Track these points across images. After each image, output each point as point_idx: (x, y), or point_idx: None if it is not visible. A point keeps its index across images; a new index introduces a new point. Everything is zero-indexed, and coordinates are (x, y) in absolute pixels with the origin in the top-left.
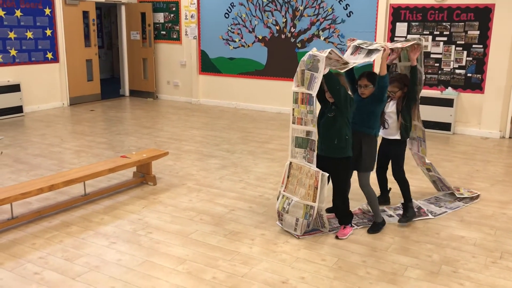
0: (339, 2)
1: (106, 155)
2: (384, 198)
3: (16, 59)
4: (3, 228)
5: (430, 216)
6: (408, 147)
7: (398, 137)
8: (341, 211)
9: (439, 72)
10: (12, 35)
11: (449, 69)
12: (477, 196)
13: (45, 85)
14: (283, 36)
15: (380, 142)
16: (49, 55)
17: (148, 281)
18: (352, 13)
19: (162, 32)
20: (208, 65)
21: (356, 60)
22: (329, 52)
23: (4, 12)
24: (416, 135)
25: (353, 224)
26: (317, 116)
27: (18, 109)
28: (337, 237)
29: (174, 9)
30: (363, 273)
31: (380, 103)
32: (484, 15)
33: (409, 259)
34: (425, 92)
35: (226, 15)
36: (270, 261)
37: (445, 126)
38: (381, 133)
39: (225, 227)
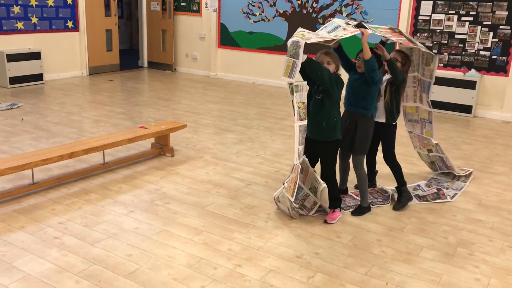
0: None
1: (125, 125)
2: (372, 182)
3: (37, 27)
4: (24, 193)
5: (448, 199)
6: (408, 130)
7: (383, 120)
8: (330, 195)
9: (463, 53)
10: (33, 2)
11: (474, 51)
12: (471, 173)
13: (65, 54)
14: (304, 11)
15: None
16: (70, 24)
17: (165, 250)
18: None
19: (182, 4)
20: (227, 39)
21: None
22: (308, 38)
23: None
24: (420, 117)
25: (342, 208)
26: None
27: (39, 77)
28: (325, 221)
29: None
30: (378, 251)
31: (372, 84)
32: None
33: (424, 239)
34: (447, 74)
35: None
36: (285, 235)
37: (466, 109)
38: None
39: (241, 201)
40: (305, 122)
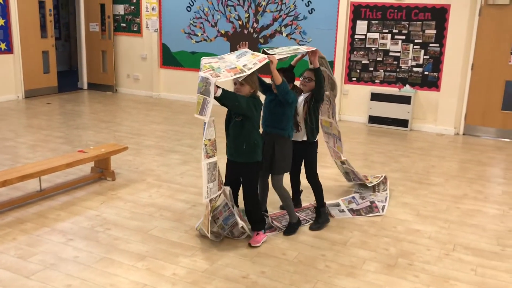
0: None
1: (63, 149)
2: (296, 201)
3: None
4: None
5: (381, 212)
6: (325, 140)
7: (304, 138)
8: (253, 217)
9: (398, 70)
10: None
11: (407, 67)
12: (385, 178)
13: None
14: (245, 31)
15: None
16: (2, 46)
17: (107, 278)
18: (314, 10)
19: (122, 24)
20: (169, 59)
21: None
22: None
23: None
24: (332, 132)
25: (266, 231)
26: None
27: None
28: (250, 245)
29: (134, 1)
30: (322, 266)
31: (287, 105)
32: (440, 15)
33: (367, 252)
34: (384, 90)
35: (188, 9)
36: (231, 256)
37: (403, 123)
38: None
39: (186, 223)
40: (214, 159)
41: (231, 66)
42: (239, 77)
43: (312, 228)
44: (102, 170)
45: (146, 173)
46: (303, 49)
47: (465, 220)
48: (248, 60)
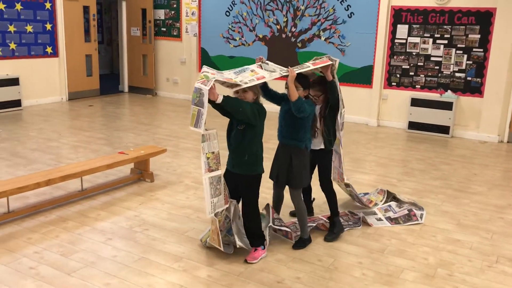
0: (340, 2)
1: (104, 151)
2: (308, 208)
3: (16, 53)
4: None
5: (420, 220)
6: (332, 159)
7: (322, 146)
8: (252, 232)
9: (439, 75)
10: (12, 28)
11: (449, 72)
12: (387, 192)
13: (44, 80)
14: (283, 36)
15: None
16: (49, 50)
17: (144, 278)
18: (354, 14)
19: (162, 29)
20: (208, 63)
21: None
22: (215, 80)
23: (4, 5)
24: (339, 151)
25: (265, 246)
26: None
27: (17, 103)
28: (246, 261)
29: (175, 6)
30: (359, 274)
31: (303, 118)
32: (485, 19)
33: (405, 261)
34: (425, 95)
35: (227, 13)
36: (266, 260)
37: (444, 129)
38: None
39: None
40: (217, 173)
41: (228, 76)
42: (231, 85)
43: (327, 239)
44: (141, 172)
45: (184, 175)
46: (310, 65)
47: (509, 231)
48: (245, 77)
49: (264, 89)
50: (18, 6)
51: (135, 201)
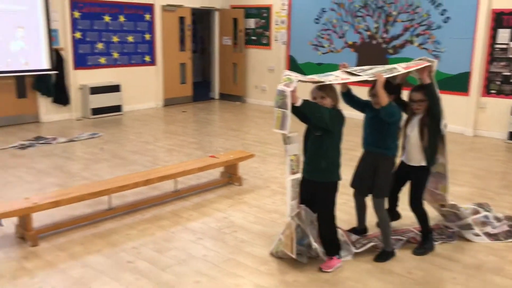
0: (435, 7)
1: (196, 154)
2: (392, 212)
3: (118, 62)
4: (101, 217)
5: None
6: None
7: (421, 163)
8: (328, 241)
9: None
10: (115, 39)
11: None
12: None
13: (142, 86)
14: (374, 42)
15: (399, 165)
16: (147, 58)
17: (232, 278)
18: (450, 19)
19: (252, 38)
20: (296, 70)
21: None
22: (298, 80)
23: (110, 18)
24: (436, 170)
25: (341, 255)
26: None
27: (118, 108)
28: (320, 269)
29: (265, 15)
30: None
31: (392, 123)
32: None
33: (505, 280)
34: None
35: (316, 21)
36: (353, 269)
37: None
38: (403, 158)
39: None
40: (298, 176)
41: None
42: (318, 83)
43: (416, 252)
44: (230, 175)
45: (270, 180)
46: (401, 68)
47: None
48: (328, 80)
49: (348, 95)
50: (122, 18)
51: (224, 203)
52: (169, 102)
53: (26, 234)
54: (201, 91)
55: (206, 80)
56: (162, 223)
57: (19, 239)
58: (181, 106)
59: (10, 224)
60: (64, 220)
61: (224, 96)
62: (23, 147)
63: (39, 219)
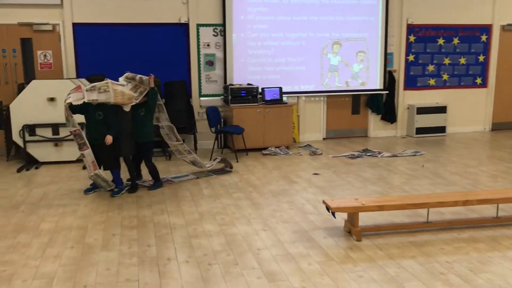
0: None
1: None
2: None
3: (447, 83)
4: (419, 228)
5: None
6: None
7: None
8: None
9: None
10: (446, 61)
11: None
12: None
13: (470, 109)
14: None
15: None
16: (478, 80)
17: None
18: None
19: None
20: None
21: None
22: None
23: (443, 41)
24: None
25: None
26: None
27: (442, 129)
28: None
29: None
30: None
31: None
32: None
33: None
34: None
35: None
36: None
37: None
38: None
39: None
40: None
41: None
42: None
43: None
44: None
45: None
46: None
47: None
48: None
49: None
50: (455, 41)
51: None
52: (498, 127)
53: (353, 229)
54: None
55: None
56: (478, 246)
57: (346, 233)
58: (511, 131)
59: (340, 219)
60: (385, 224)
61: None
62: (353, 157)
63: (362, 220)
